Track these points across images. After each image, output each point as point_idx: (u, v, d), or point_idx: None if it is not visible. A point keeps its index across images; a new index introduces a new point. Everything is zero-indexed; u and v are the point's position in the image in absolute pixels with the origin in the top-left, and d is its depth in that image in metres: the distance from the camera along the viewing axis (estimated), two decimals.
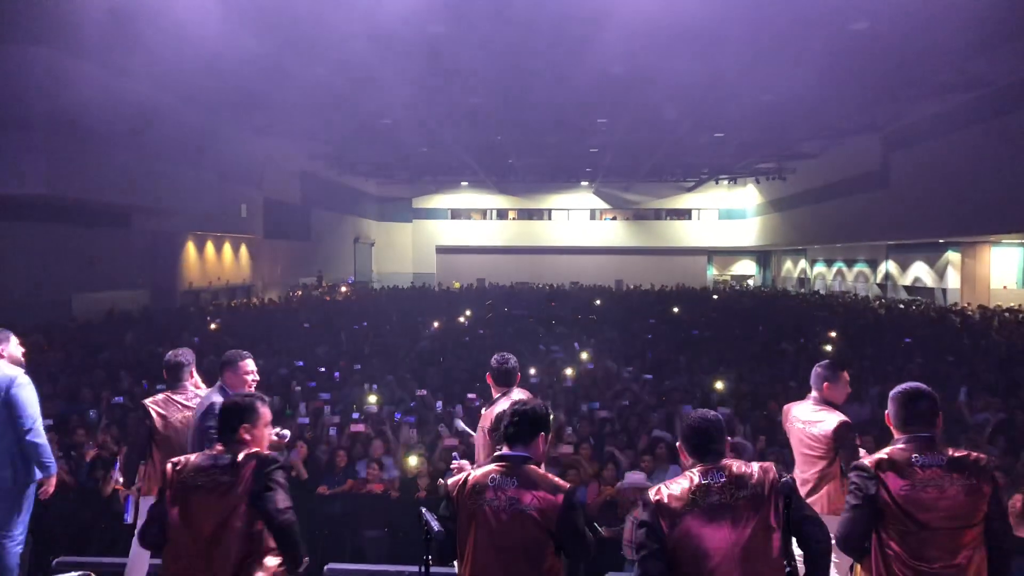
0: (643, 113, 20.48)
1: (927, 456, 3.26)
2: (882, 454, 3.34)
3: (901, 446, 3.33)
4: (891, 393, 3.49)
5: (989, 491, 3.20)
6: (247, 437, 3.37)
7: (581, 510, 3.12)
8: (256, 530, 3.19)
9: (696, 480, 2.98)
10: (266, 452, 3.34)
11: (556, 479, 3.18)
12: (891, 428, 3.47)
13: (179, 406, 5.05)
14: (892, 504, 3.20)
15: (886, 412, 3.50)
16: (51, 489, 5.13)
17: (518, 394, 4.73)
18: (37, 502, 4.92)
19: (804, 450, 4.75)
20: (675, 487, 3.00)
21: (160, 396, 5.16)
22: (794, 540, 3.00)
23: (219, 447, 3.36)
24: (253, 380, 4.81)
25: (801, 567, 3.01)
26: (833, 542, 3.21)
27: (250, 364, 4.84)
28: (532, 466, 3.18)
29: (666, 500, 2.97)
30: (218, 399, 4.53)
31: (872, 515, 3.23)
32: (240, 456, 3.28)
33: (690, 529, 2.91)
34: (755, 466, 3.02)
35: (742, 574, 2.86)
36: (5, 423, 4.84)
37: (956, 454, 3.28)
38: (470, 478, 3.18)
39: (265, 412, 3.48)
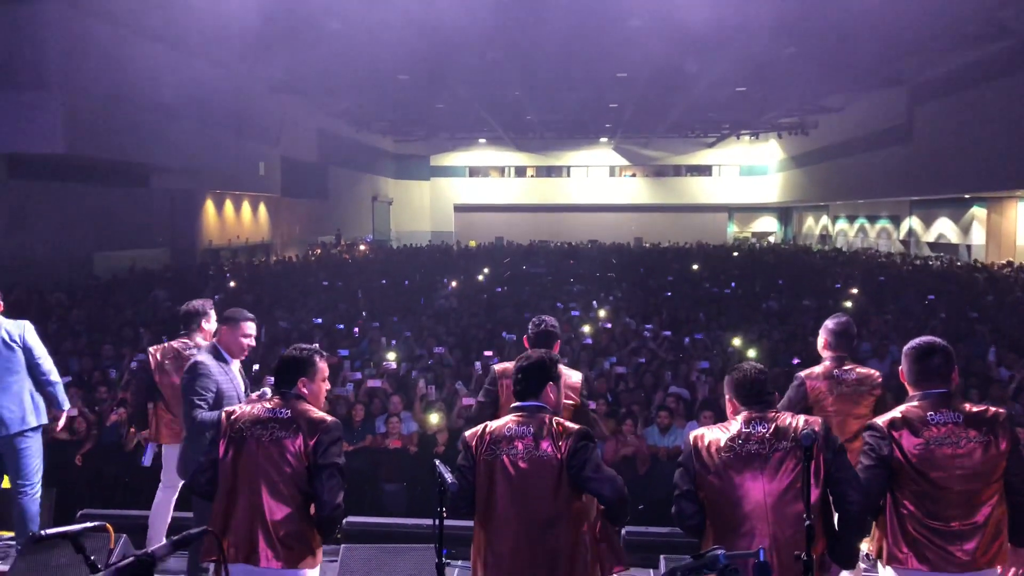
0: (663, 67, 20.12)
1: (942, 413, 3.17)
2: (896, 413, 3.27)
3: (915, 404, 3.25)
4: (904, 349, 3.41)
5: (1008, 447, 3.12)
6: (304, 391, 3.40)
7: (593, 448, 3.12)
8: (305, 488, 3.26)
9: (738, 427, 3.05)
10: (326, 420, 3.33)
11: (569, 424, 3.20)
12: (905, 385, 3.39)
13: (175, 355, 4.99)
14: (906, 463, 3.13)
15: (900, 369, 3.41)
16: (61, 423, 5.38)
17: None
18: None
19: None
20: (715, 432, 3.10)
21: (165, 344, 5.17)
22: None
23: (277, 399, 3.38)
24: (249, 344, 4.62)
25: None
26: None
27: (250, 327, 4.62)
28: (548, 415, 3.18)
29: (704, 444, 3.07)
30: (206, 358, 4.44)
31: (886, 476, 3.17)
32: (299, 414, 3.30)
33: (724, 474, 2.99)
34: (801, 419, 3.07)
35: (773, 523, 2.92)
36: (19, 369, 4.91)
37: (973, 409, 3.20)
38: (487, 429, 3.19)
39: (323, 366, 3.50)
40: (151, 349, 5.18)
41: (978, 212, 24.05)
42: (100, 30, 14.62)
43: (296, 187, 28.43)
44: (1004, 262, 21.35)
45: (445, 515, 3.02)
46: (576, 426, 3.18)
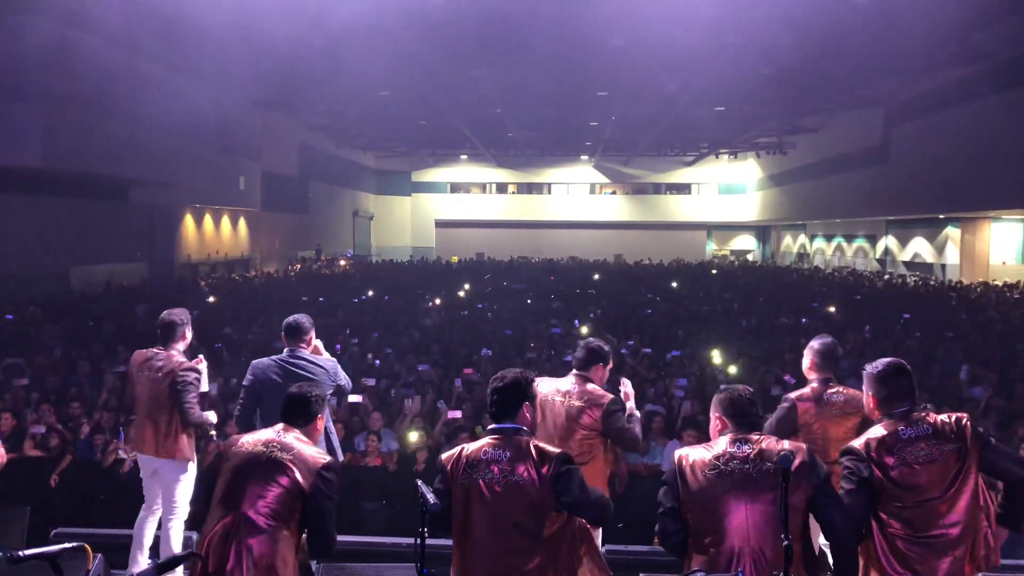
0: (643, 86, 20.34)
1: (912, 428, 3.24)
2: (870, 434, 3.31)
3: (886, 423, 3.31)
4: (867, 372, 3.44)
5: (978, 446, 3.20)
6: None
7: (577, 471, 3.11)
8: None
9: (723, 447, 3.08)
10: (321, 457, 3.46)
11: (548, 447, 3.16)
12: (871, 408, 3.44)
13: (150, 365, 4.95)
14: (887, 482, 3.18)
15: (870, 394, 3.43)
16: None
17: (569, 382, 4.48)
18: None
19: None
20: (700, 452, 3.13)
21: (144, 352, 5.09)
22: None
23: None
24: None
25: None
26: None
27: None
28: (524, 437, 3.16)
29: (689, 463, 3.09)
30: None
31: (869, 498, 3.21)
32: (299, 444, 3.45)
33: (708, 493, 3.01)
34: (786, 443, 3.10)
35: (754, 544, 2.94)
36: None
37: (938, 421, 3.27)
38: (463, 452, 3.17)
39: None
40: (133, 358, 5.13)
41: (952, 232, 24.41)
42: (80, 42, 14.53)
43: (277, 202, 28.34)
44: (978, 282, 21.68)
45: (427, 534, 3.01)
46: (556, 450, 3.15)
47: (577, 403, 4.29)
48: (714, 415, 3.27)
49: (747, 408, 3.17)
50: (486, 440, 3.19)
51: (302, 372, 4.78)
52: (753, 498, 2.98)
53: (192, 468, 5.02)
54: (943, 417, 3.30)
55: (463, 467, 3.13)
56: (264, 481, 3.29)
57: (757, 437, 3.11)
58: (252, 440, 3.43)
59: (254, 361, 4.96)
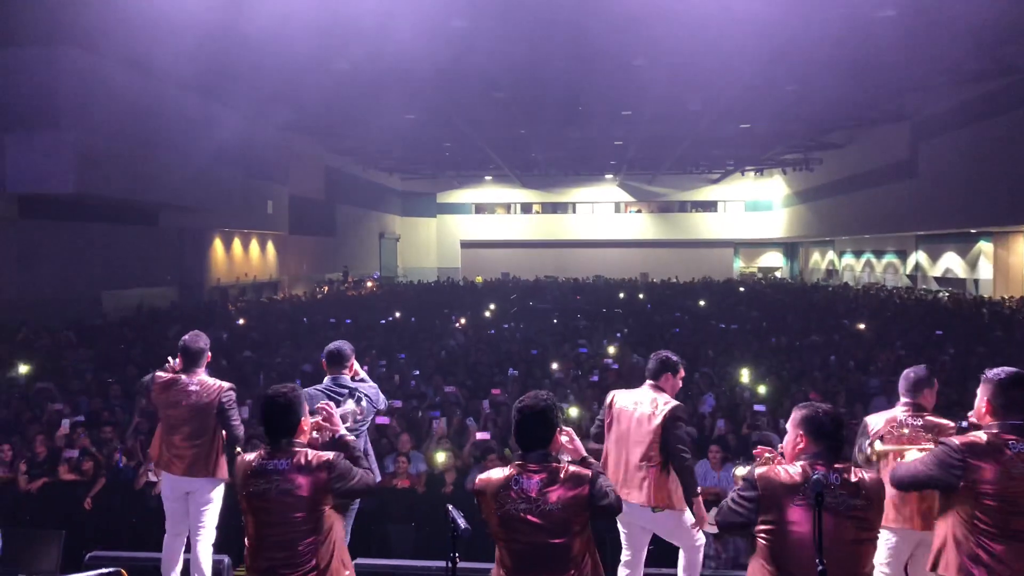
0: (667, 104, 20.34)
1: (1021, 443, 3.22)
2: (975, 436, 3.31)
3: (995, 431, 3.29)
4: (987, 377, 3.42)
5: None
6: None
7: (610, 489, 3.13)
8: None
9: (808, 473, 2.97)
10: None
11: (578, 469, 3.16)
12: (984, 413, 3.40)
13: (183, 390, 5.02)
14: (982, 489, 3.17)
15: (985, 398, 3.41)
16: None
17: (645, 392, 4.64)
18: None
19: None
20: (783, 473, 3.02)
21: (164, 377, 5.12)
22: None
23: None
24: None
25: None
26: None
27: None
28: (553, 463, 3.16)
29: (772, 483, 3.01)
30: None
31: (944, 486, 3.27)
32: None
33: (786, 517, 2.95)
34: (865, 475, 3.03)
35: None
36: None
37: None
38: (493, 479, 3.17)
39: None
40: (159, 372, 5.18)
41: (984, 246, 24.04)
42: (111, 72, 14.85)
43: (304, 225, 28.63)
44: (1014, 297, 21.30)
45: (457, 559, 3.00)
46: (586, 471, 3.14)
47: (647, 411, 4.49)
48: (798, 432, 3.14)
49: (836, 431, 3.08)
50: (513, 468, 3.17)
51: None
52: (834, 529, 2.92)
53: (222, 490, 5.07)
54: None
55: (493, 495, 3.12)
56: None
57: (841, 466, 3.02)
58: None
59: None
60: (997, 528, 3.14)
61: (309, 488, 3.26)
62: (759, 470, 3.08)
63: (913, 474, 3.38)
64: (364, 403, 4.74)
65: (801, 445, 3.10)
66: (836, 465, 3.00)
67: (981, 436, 3.29)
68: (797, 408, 3.19)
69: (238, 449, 5.39)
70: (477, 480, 3.24)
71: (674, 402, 4.50)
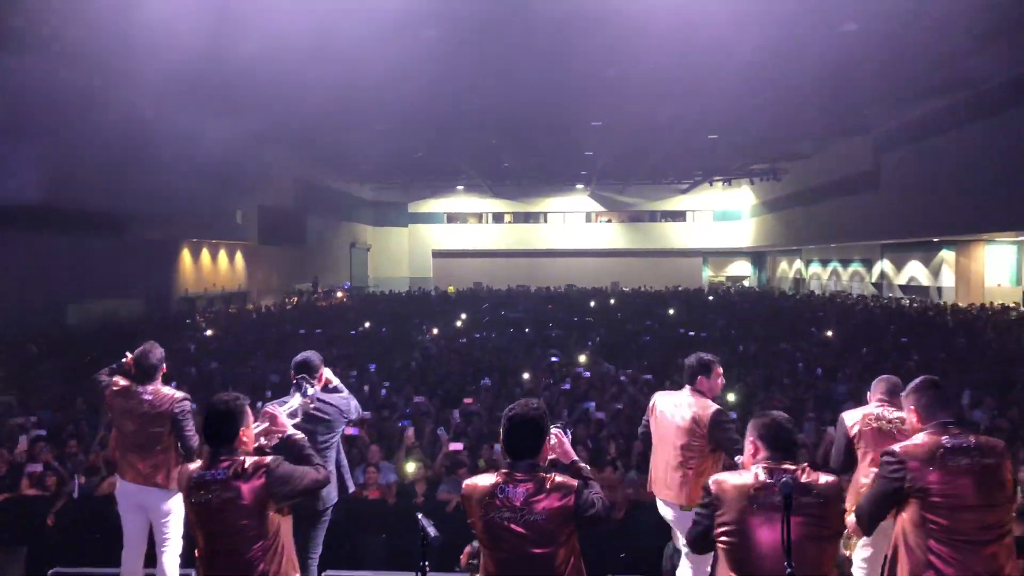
0: (637, 116, 20.51)
1: (953, 439, 3.34)
2: (912, 442, 3.42)
3: (928, 432, 3.42)
4: (912, 385, 3.60)
5: (1011, 470, 3.36)
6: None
7: (597, 499, 3.13)
8: None
9: (760, 476, 3.05)
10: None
11: (565, 479, 3.16)
12: (916, 421, 3.55)
13: (137, 399, 5.00)
14: (925, 487, 3.27)
15: (911, 408, 3.58)
16: None
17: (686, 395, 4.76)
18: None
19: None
20: (736, 478, 3.10)
21: (118, 384, 5.11)
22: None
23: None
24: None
25: None
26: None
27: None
28: (541, 473, 3.15)
29: (725, 489, 3.07)
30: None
31: (898, 496, 3.34)
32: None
33: (744, 521, 3.00)
34: (822, 476, 3.09)
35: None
36: None
37: (978, 439, 3.38)
38: (479, 485, 3.16)
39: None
40: (116, 378, 5.14)
41: (947, 255, 24.52)
42: (78, 82, 14.66)
43: (273, 234, 28.40)
44: (974, 304, 21.72)
45: (427, 568, 3.00)
46: (573, 482, 3.14)
47: (684, 414, 4.62)
48: (750, 438, 3.23)
49: (788, 435, 3.17)
50: (499, 476, 3.17)
51: (317, 414, 4.75)
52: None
53: (181, 500, 5.02)
54: (982, 437, 3.42)
55: (479, 503, 3.12)
56: None
57: (791, 467, 3.08)
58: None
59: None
60: (947, 529, 3.23)
61: (249, 495, 3.25)
62: (713, 476, 3.17)
63: (869, 500, 3.46)
64: (312, 391, 4.67)
65: (758, 453, 3.17)
66: (788, 467, 3.07)
67: (917, 440, 3.43)
68: (752, 419, 3.28)
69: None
70: (464, 485, 3.23)
71: (712, 407, 4.61)
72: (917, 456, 3.32)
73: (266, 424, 3.81)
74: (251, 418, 3.55)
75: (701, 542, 3.18)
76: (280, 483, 3.30)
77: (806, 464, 3.14)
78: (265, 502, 3.27)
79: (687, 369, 4.83)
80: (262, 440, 3.72)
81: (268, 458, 3.36)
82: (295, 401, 4.49)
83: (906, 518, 3.36)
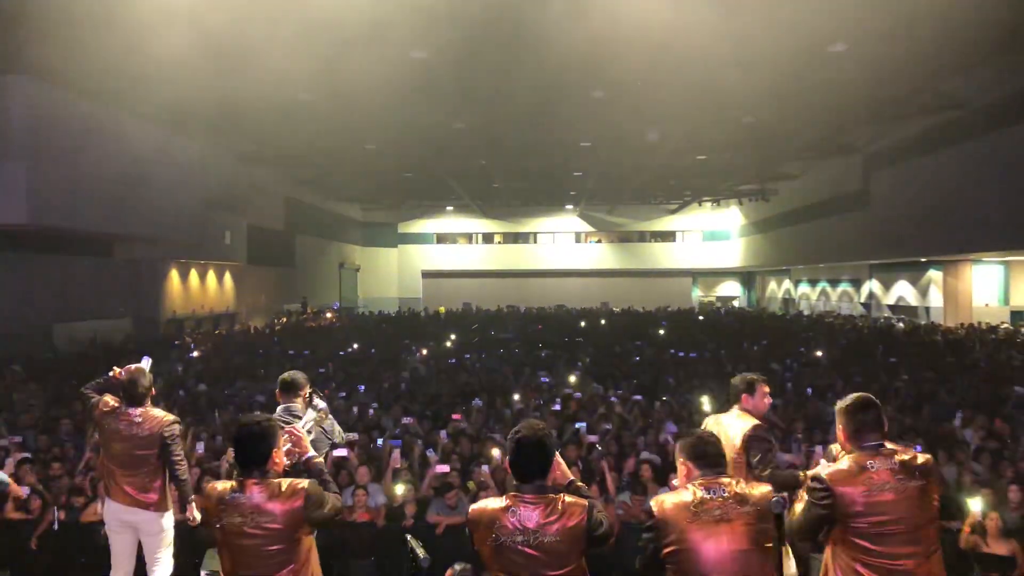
0: (626, 136, 20.63)
1: (879, 461, 3.37)
2: (838, 464, 3.46)
3: (854, 455, 3.45)
4: (838, 407, 3.63)
5: (938, 490, 3.43)
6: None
7: (603, 518, 3.15)
8: None
9: (698, 493, 3.10)
10: None
11: (575, 499, 3.17)
12: (844, 440, 3.58)
13: (127, 421, 4.95)
14: (852, 511, 3.30)
15: (840, 427, 3.60)
16: None
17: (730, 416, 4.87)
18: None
19: None
20: (675, 497, 3.15)
21: (108, 404, 5.07)
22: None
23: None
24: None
25: None
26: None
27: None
28: (551, 494, 3.15)
29: (666, 509, 3.12)
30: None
31: (826, 520, 3.37)
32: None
33: (687, 538, 3.03)
34: (753, 487, 3.17)
35: None
36: None
37: (904, 457, 3.41)
38: (488, 509, 3.15)
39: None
40: (106, 398, 5.09)
41: (935, 275, 24.66)
42: (65, 101, 14.64)
43: (262, 255, 28.31)
44: (963, 324, 21.82)
45: None
46: (583, 500, 3.15)
47: (729, 434, 4.70)
48: (680, 459, 3.31)
49: (706, 452, 3.24)
50: (508, 499, 3.15)
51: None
52: (731, 541, 3.03)
53: (171, 520, 4.96)
54: (909, 455, 3.44)
55: (487, 526, 3.10)
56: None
57: (727, 480, 3.16)
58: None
59: None
60: (873, 553, 3.27)
61: (284, 519, 3.21)
62: (653, 498, 3.25)
63: (799, 520, 3.46)
64: (323, 404, 4.71)
65: (691, 473, 3.24)
66: (724, 480, 3.13)
67: (843, 463, 3.46)
68: (679, 441, 3.36)
69: (207, 478, 5.31)
70: (471, 509, 3.22)
71: (752, 423, 4.71)
72: (843, 480, 3.35)
73: (289, 445, 3.76)
74: (281, 439, 3.50)
75: (651, 565, 3.18)
76: (316, 506, 3.28)
77: (740, 478, 3.24)
78: (299, 525, 3.24)
79: (732, 389, 4.98)
80: (284, 460, 3.67)
81: (305, 482, 3.32)
82: (310, 416, 4.50)
83: (834, 541, 3.42)
